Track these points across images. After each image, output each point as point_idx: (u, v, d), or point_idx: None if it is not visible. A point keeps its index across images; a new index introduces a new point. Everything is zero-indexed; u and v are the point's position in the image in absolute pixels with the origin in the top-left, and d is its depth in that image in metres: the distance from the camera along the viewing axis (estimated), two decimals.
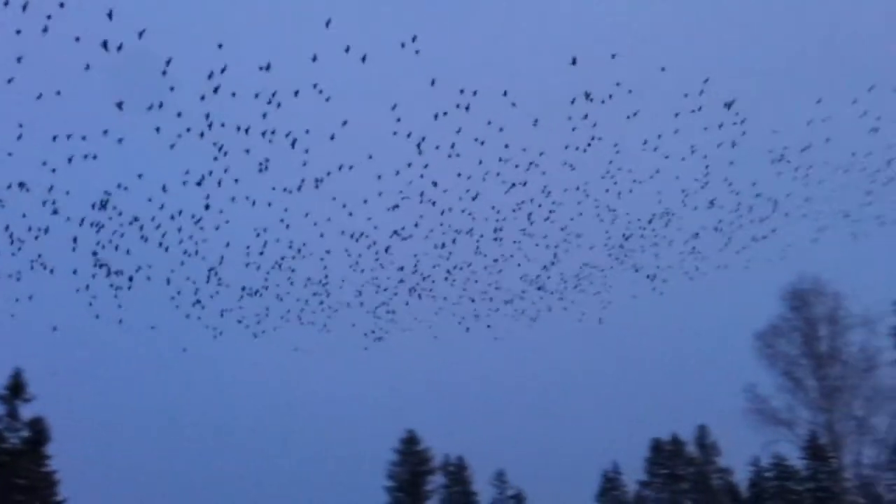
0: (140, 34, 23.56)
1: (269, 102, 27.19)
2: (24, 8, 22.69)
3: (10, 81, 24.38)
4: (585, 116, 29.76)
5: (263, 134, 28.25)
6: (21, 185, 28.84)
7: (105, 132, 27.73)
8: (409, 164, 31.52)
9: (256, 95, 26.95)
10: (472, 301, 37.00)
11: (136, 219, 31.11)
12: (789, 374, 54.48)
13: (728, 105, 30.37)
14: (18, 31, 22.99)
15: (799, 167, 34.43)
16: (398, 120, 29.58)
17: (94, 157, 28.08)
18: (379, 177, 32.23)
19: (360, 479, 74.78)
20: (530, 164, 32.44)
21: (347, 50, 26.05)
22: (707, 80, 29.88)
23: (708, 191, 34.88)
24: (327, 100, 27.69)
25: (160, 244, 31.86)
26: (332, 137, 29.07)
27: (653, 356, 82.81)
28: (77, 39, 23.86)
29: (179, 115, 27.24)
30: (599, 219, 35.69)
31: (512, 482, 72.80)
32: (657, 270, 38.65)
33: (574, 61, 26.63)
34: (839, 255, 48.95)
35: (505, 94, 28.88)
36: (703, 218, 36.36)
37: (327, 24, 24.93)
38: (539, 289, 37.78)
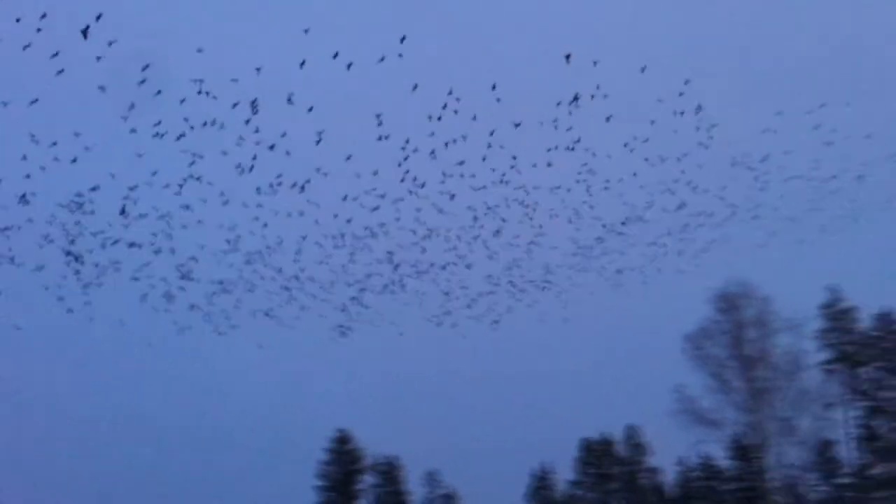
0: (110, 43, 23.94)
1: (253, 110, 27.25)
2: (18, 20, 23.03)
3: None
4: (570, 113, 29.96)
5: (240, 140, 28.27)
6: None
7: (77, 134, 27.93)
8: (400, 165, 31.64)
9: (235, 105, 27.02)
10: (446, 294, 37.18)
11: (123, 212, 30.88)
12: (717, 375, 55.68)
13: (698, 110, 31.00)
14: None
15: (758, 174, 35.36)
16: (379, 124, 29.69)
17: (74, 161, 28.17)
18: (357, 176, 32.22)
19: (291, 478, 73.97)
20: (512, 164, 32.67)
21: (336, 56, 26.46)
22: (688, 82, 30.43)
23: (674, 194, 35.55)
24: (310, 110, 27.84)
25: (131, 245, 31.70)
26: (318, 142, 29.09)
27: (583, 356, 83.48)
28: (55, 54, 24.08)
29: (158, 123, 27.34)
30: (569, 220, 36.13)
31: (444, 482, 72.99)
32: (620, 273, 39.16)
33: (568, 58, 26.90)
34: (772, 261, 50.11)
35: (494, 87, 29.18)
36: (668, 221, 37.03)
37: (306, 31, 25.23)
38: (511, 284, 38.08)
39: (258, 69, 26.58)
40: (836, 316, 61.22)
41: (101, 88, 24.90)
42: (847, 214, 38.83)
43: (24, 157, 27.97)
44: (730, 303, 56.66)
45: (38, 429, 79.13)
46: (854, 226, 39.98)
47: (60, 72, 24.56)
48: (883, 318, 59.98)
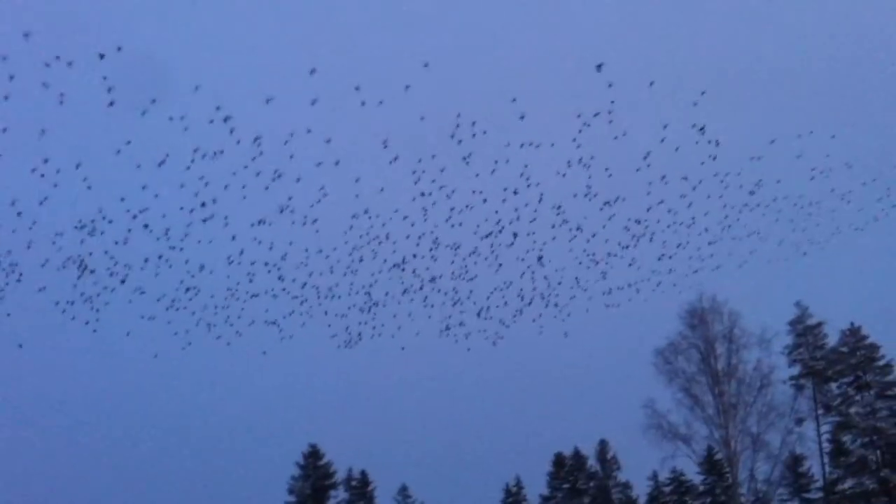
0: (106, 83, 24.50)
1: (257, 144, 27.43)
2: (48, 65, 23.99)
3: None
4: (587, 125, 30.15)
5: (245, 167, 28.53)
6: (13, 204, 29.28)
7: (78, 166, 28.68)
8: (417, 182, 32.07)
9: (255, 139, 27.76)
10: (457, 304, 37.44)
11: (127, 235, 31.23)
12: (687, 390, 55.78)
13: (701, 129, 31.33)
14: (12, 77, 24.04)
15: (753, 195, 35.90)
16: (384, 147, 29.93)
17: (89, 188, 29.13)
18: (357, 196, 32.50)
19: (260, 493, 73.60)
20: (527, 181, 32.86)
21: (357, 89, 27.17)
22: (704, 93, 30.70)
23: (676, 214, 36.00)
24: (328, 141, 28.86)
25: (126, 271, 32.05)
26: (337, 164, 29.24)
27: (555, 372, 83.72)
28: (62, 96, 24.78)
29: (166, 156, 27.75)
30: (573, 237, 36.44)
31: (415, 496, 72.64)
32: (621, 289, 39.60)
33: (599, 67, 27.20)
34: (748, 279, 50.53)
35: (514, 100, 29.80)
36: (668, 238, 37.43)
37: (312, 72, 25.45)
38: (520, 298, 38.38)
39: (268, 100, 27.31)
40: (805, 332, 61.64)
41: (111, 104, 25.15)
42: (824, 237, 39.40)
43: (42, 175, 28.65)
44: (699, 318, 56.84)
45: (39, 431, 79.22)
46: (828, 247, 40.52)
47: (62, 103, 25.09)
48: (851, 334, 60.31)
